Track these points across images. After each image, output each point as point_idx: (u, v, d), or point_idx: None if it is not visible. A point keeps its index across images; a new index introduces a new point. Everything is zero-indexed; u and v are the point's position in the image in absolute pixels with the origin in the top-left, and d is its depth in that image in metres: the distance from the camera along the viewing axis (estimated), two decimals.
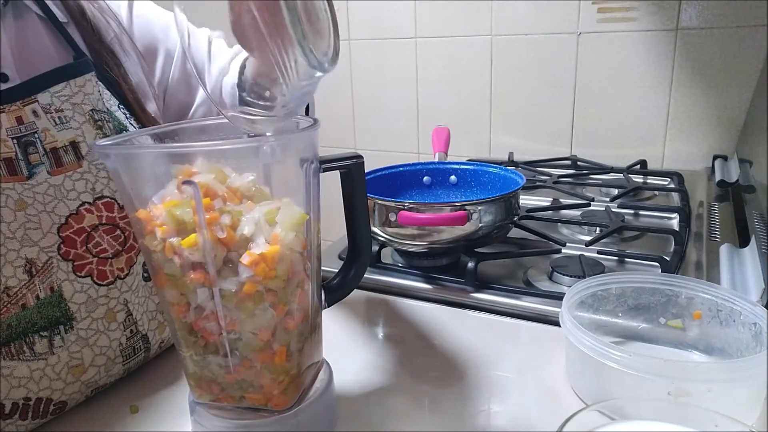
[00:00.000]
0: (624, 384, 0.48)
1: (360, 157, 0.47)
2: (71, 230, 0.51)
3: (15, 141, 0.48)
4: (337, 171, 0.47)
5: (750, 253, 0.71)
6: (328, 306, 0.50)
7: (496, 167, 0.91)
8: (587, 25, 1.21)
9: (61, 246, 0.50)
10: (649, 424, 0.40)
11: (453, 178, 0.94)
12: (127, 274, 0.54)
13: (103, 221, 0.53)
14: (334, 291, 0.51)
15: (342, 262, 0.52)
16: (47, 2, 0.56)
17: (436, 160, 1.04)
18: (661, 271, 0.72)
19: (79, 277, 0.51)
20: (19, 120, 0.48)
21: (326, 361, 0.52)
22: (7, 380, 0.47)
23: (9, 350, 0.47)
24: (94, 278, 0.52)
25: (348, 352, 0.62)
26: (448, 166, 0.95)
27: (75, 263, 0.51)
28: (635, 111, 1.23)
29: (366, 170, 0.50)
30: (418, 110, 1.47)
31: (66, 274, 0.50)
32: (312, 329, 0.47)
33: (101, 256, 0.52)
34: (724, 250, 0.74)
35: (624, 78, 1.22)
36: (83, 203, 0.52)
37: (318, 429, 0.48)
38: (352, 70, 1.52)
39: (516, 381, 0.56)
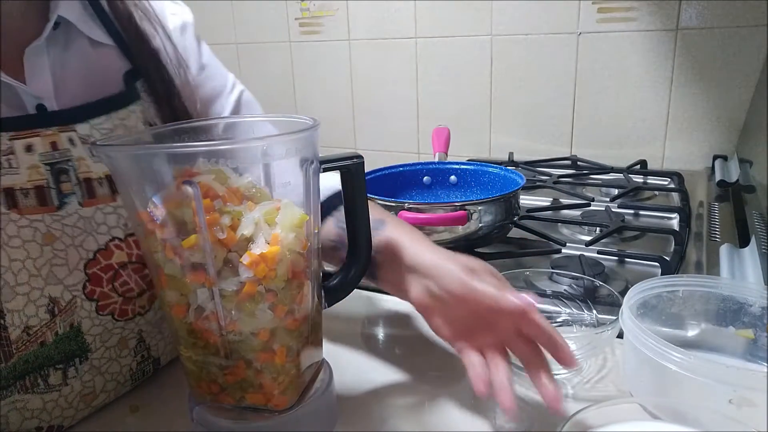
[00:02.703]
0: (683, 388, 0.45)
1: (360, 157, 0.47)
2: (98, 267, 0.49)
3: (48, 167, 0.46)
4: (337, 171, 0.47)
5: (750, 253, 0.71)
6: (328, 306, 0.50)
7: (496, 167, 0.91)
8: (587, 25, 1.21)
9: (87, 284, 0.48)
10: (648, 424, 0.39)
11: (453, 178, 0.94)
12: (147, 311, 0.53)
13: (133, 259, 0.51)
14: (334, 291, 0.51)
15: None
16: (98, 21, 0.53)
17: (436, 160, 1.04)
18: (661, 272, 0.72)
19: (101, 315, 0.49)
20: (54, 146, 0.46)
21: (326, 361, 0.52)
22: (21, 412, 0.47)
23: (24, 383, 0.46)
24: (115, 316, 0.50)
25: (348, 352, 0.62)
26: (448, 166, 0.95)
27: (99, 303, 0.49)
28: (635, 111, 1.23)
29: (366, 170, 0.50)
30: (418, 110, 1.47)
31: (88, 313, 0.48)
32: (312, 329, 0.47)
33: (126, 295, 0.51)
34: (724, 250, 0.74)
35: (624, 78, 1.22)
36: (113, 238, 0.50)
37: (318, 429, 0.48)
38: (352, 70, 1.52)
39: (516, 381, 0.56)
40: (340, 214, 0.57)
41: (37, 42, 0.48)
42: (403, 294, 0.52)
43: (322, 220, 0.59)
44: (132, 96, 0.52)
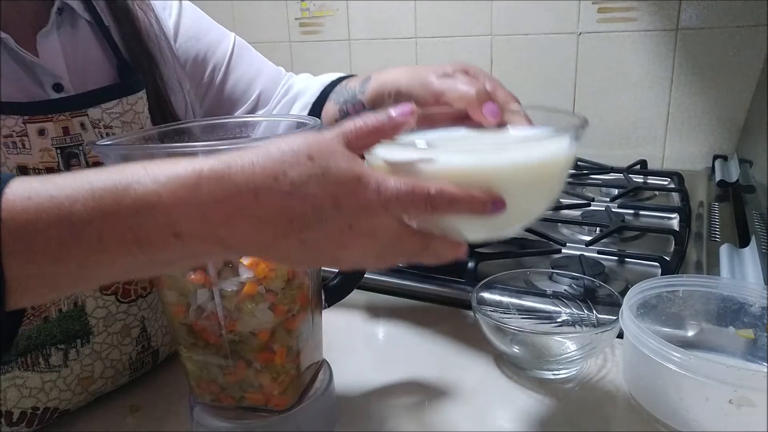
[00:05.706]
0: (683, 388, 0.45)
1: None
2: None
3: (58, 151, 0.47)
4: None
5: (750, 253, 0.71)
6: (328, 306, 0.50)
7: None
8: (587, 25, 1.21)
9: None
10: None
11: None
12: (148, 293, 0.54)
13: None
14: (334, 291, 0.51)
15: None
16: (95, 3, 0.54)
17: None
18: (661, 272, 0.72)
19: (105, 294, 0.50)
20: (66, 130, 0.48)
21: (326, 361, 0.52)
22: (19, 390, 0.47)
23: (25, 360, 0.47)
24: (119, 296, 0.51)
25: (348, 352, 0.62)
26: None
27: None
28: (635, 111, 1.23)
29: None
30: None
31: (93, 292, 0.49)
32: (312, 330, 0.47)
33: None
34: (724, 250, 0.74)
35: (624, 78, 1.21)
36: None
37: (318, 429, 0.48)
38: (352, 71, 1.51)
39: (516, 381, 0.56)
40: (336, 94, 0.64)
41: (47, 27, 0.49)
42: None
43: (321, 107, 0.65)
44: (138, 84, 0.54)
